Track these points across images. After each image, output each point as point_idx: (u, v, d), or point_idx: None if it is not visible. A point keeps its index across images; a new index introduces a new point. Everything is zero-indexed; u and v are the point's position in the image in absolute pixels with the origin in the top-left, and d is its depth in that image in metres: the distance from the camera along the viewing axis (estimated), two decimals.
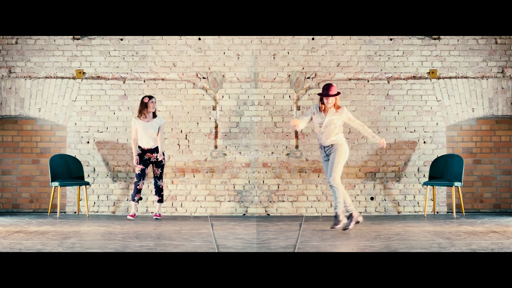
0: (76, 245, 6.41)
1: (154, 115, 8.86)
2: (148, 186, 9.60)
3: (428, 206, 9.56)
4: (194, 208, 9.61)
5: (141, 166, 8.78)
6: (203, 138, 9.65)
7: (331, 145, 7.52)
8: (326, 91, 7.44)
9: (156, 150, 8.83)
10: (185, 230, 7.69)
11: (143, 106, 8.80)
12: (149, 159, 8.82)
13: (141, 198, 8.94)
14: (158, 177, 8.87)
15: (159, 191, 8.89)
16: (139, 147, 8.81)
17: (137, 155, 8.78)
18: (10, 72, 9.63)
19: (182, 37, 9.67)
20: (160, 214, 8.97)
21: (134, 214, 8.84)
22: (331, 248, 6.27)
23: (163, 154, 8.83)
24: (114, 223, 8.33)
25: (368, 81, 9.69)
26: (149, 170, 9.08)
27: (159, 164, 8.83)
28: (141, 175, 8.77)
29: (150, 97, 8.85)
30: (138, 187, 8.76)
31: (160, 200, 8.93)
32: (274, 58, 9.68)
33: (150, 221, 8.71)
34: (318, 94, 7.62)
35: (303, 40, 9.70)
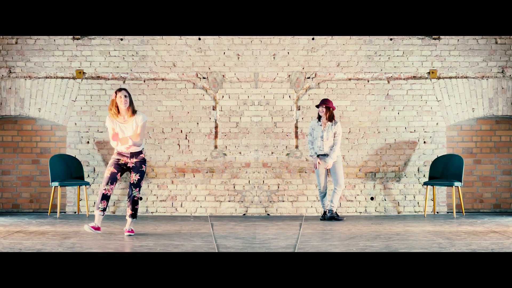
0: (76, 245, 6.41)
1: (134, 112, 7.22)
2: (148, 186, 9.60)
3: (428, 206, 9.56)
4: (194, 208, 9.61)
5: (113, 170, 7.16)
6: (203, 138, 9.65)
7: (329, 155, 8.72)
8: (321, 102, 8.75)
9: (135, 155, 7.23)
10: (185, 230, 7.69)
11: (112, 103, 7.18)
12: (125, 164, 7.24)
13: (104, 209, 7.15)
14: (134, 185, 7.18)
15: (133, 203, 7.20)
16: (117, 151, 7.25)
17: (113, 160, 7.24)
18: (10, 72, 9.63)
19: (182, 37, 9.68)
20: (132, 230, 7.25)
21: (99, 227, 7.15)
22: (331, 248, 6.27)
23: (144, 163, 7.25)
24: (114, 223, 8.33)
25: (368, 81, 9.69)
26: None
27: (138, 169, 7.22)
28: (110, 178, 7.13)
29: (120, 89, 7.17)
30: (104, 191, 7.09)
31: (133, 215, 7.23)
32: (274, 58, 9.68)
33: (150, 221, 8.71)
34: (316, 106, 8.86)
35: (303, 40, 9.70)
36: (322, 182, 8.71)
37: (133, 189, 7.19)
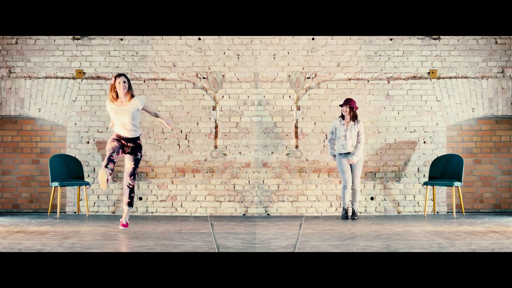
0: (76, 245, 6.41)
1: (132, 96, 7.40)
2: (148, 186, 9.60)
3: (428, 206, 9.56)
4: (194, 208, 9.61)
5: (116, 144, 7.30)
6: (203, 138, 9.65)
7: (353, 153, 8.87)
8: (344, 102, 8.86)
9: (133, 140, 7.42)
10: (185, 230, 7.69)
11: (112, 88, 7.35)
12: (123, 144, 7.39)
13: (112, 170, 7.19)
14: (130, 174, 7.42)
15: (129, 191, 7.46)
16: (115, 133, 7.44)
17: (113, 138, 7.40)
18: (10, 72, 9.63)
19: (182, 37, 9.68)
20: (127, 223, 7.62)
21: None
22: (331, 248, 6.27)
23: (140, 150, 7.46)
24: (114, 223, 8.32)
25: (368, 81, 9.69)
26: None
27: (134, 157, 7.42)
28: (114, 149, 7.24)
29: (119, 75, 7.38)
30: (111, 157, 7.18)
31: (130, 203, 7.52)
32: (274, 58, 9.68)
33: (150, 221, 8.71)
34: (340, 105, 8.97)
35: (303, 40, 9.70)
36: (349, 178, 8.86)
37: (128, 177, 7.44)
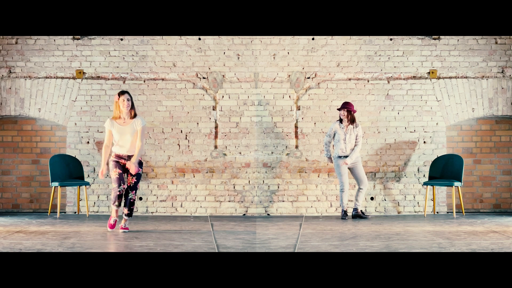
0: (76, 245, 6.41)
1: (134, 115, 7.48)
2: (148, 186, 9.60)
3: (428, 206, 9.56)
4: (194, 208, 9.61)
5: (118, 170, 7.36)
6: (203, 138, 9.65)
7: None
8: (342, 105, 8.89)
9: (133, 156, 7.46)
10: (185, 230, 7.69)
11: (116, 105, 7.45)
12: (124, 165, 7.45)
13: (120, 204, 7.44)
14: (131, 188, 7.44)
15: (129, 204, 7.47)
16: (115, 153, 7.48)
17: (113, 161, 7.44)
18: (10, 72, 9.63)
19: (182, 37, 9.68)
20: (127, 227, 7.64)
21: (115, 223, 7.56)
22: (331, 248, 6.28)
23: (140, 165, 7.48)
24: None
25: (368, 81, 9.69)
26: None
27: (135, 172, 7.42)
28: (120, 179, 7.33)
29: (123, 93, 7.45)
30: (118, 193, 7.34)
31: (129, 215, 7.54)
32: (274, 58, 9.68)
33: (150, 221, 8.71)
34: (338, 109, 9.02)
35: (303, 40, 9.70)
36: (346, 181, 8.85)
37: (130, 191, 7.46)
